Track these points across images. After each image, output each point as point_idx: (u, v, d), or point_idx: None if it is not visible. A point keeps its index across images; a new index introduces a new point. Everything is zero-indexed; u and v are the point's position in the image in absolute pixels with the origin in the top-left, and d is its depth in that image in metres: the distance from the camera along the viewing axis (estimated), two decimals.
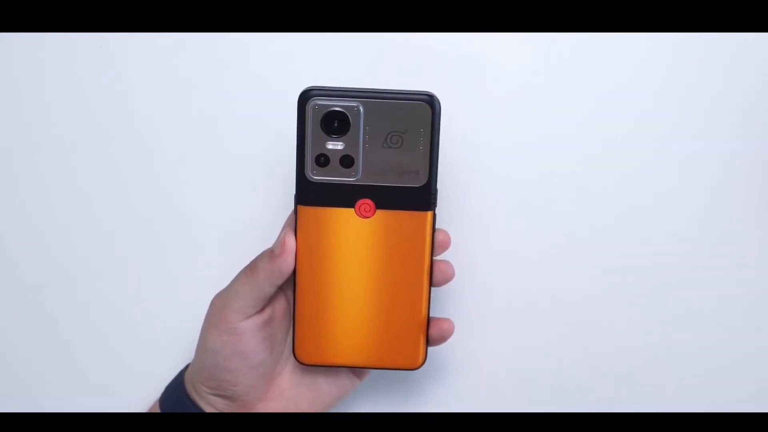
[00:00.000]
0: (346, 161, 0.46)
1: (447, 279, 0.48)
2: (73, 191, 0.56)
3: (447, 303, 0.57)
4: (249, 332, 0.48)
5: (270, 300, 0.49)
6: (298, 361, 0.49)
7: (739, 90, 0.55)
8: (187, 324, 0.53)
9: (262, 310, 0.48)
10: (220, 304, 0.49)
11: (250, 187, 0.57)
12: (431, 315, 0.48)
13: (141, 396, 0.57)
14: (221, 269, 0.50)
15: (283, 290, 0.50)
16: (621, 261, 0.57)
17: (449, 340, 0.49)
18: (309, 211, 0.46)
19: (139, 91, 0.55)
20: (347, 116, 0.45)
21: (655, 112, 0.55)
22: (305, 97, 0.45)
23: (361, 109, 0.45)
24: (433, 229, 0.47)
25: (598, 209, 0.56)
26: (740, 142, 0.55)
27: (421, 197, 0.46)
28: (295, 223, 0.47)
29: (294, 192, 0.46)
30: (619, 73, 0.55)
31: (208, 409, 0.50)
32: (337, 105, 0.45)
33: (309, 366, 0.50)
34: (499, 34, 0.54)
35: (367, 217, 0.46)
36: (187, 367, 0.52)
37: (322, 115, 0.45)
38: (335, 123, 0.45)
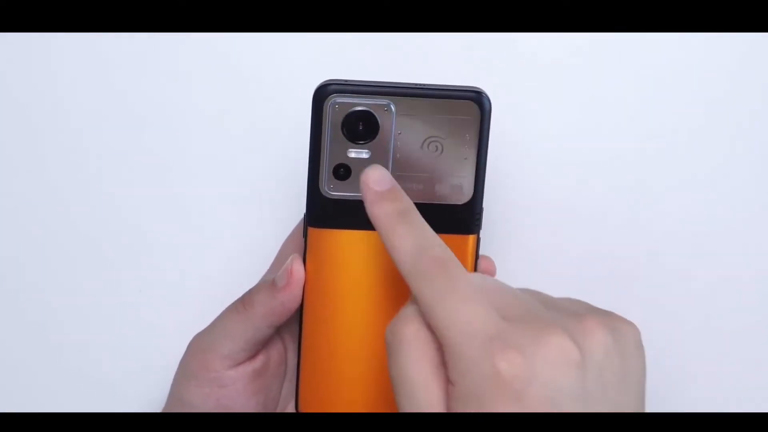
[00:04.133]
0: None
1: None
2: (70, 192, 0.54)
3: None
4: (237, 383, 0.43)
5: (264, 344, 0.44)
6: None
7: None
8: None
9: (254, 356, 0.43)
10: (201, 346, 0.43)
11: (252, 204, 0.54)
12: None
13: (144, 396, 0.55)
14: (205, 309, 0.46)
15: (279, 333, 0.45)
16: (687, 288, 0.54)
17: None
18: (322, 235, 0.41)
19: (134, 94, 0.53)
20: (375, 117, 0.40)
21: (728, 103, 0.53)
22: (323, 93, 0.40)
23: (393, 108, 0.40)
24: (476, 257, 0.42)
25: (656, 222, 0.53)
26: None
27: (463, 218, 0.41)
28: (304, 249, 0.42)
29: (304, 210, 0.42)
30: (680, 54, 0.52)
31: None
32: (363, 103, 0.40)
33: None
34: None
35: None
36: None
37: (344, 116, 0.40)
38: (360, 126, 0.40)
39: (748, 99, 0.53)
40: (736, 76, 0.53)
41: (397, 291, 0.42)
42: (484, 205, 0.42)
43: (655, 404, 0.52)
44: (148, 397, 0.54)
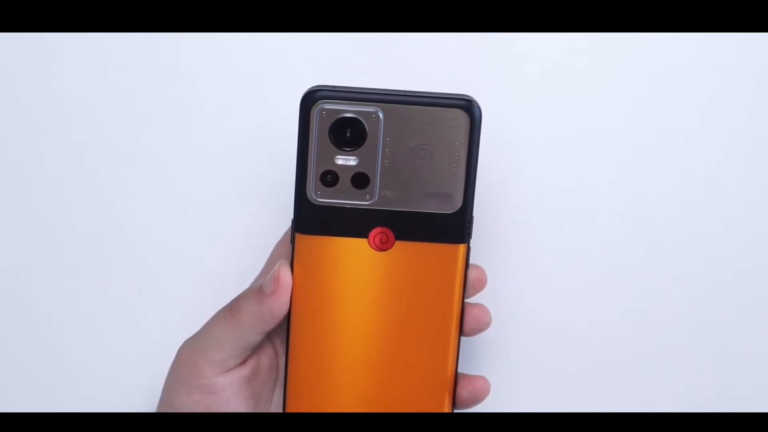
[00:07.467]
0: (360, 180, 0.40)
1: (481, 327, 0.44)
2: (68, 192, 0.54)
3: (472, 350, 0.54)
4: (228, 390, 0.43)
5: (254, 350, 0.43)
6: None
7: None
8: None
9: (244, 362, 0.43)
10: (191, 353, 0.43)
11: (251, 205, 0.53)
12: (460, 371, 0.44)
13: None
14: (205, 309, 0.46)
15: (270, 337, 0.45)
16: (685, 289, 0.54)
17: None
18: (310, 241, 0.41)
19: (132, 93, 0.53)
20: (363, 124, 0.40)
21: (727, 103, 0.52)
22: (311, 99, 0.40)
23: (381, 115, 0.40)
24: (466, 266, 0.42)
25: (654, 223, 0.53)
26: None
27: (452, 227, 0.41)
28: (291, 256, 0.42)
29: (291, 217, 0.42)
30: (680, 54, 0.52)
31: None
32: (351, 110, 0.40)
33: None
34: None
35: (384, 250, 0.41)
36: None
37: (332, 123, 0.40)
38: (348, 132, 0.40)
39: (748, 99, 0.52)
40: (735, 76, 0.52)
41: (384, 297, 0.42)
42: (480, 209, 0.42)
43: (654, 402, 0.55)
44: (148, 397, 0.54)
